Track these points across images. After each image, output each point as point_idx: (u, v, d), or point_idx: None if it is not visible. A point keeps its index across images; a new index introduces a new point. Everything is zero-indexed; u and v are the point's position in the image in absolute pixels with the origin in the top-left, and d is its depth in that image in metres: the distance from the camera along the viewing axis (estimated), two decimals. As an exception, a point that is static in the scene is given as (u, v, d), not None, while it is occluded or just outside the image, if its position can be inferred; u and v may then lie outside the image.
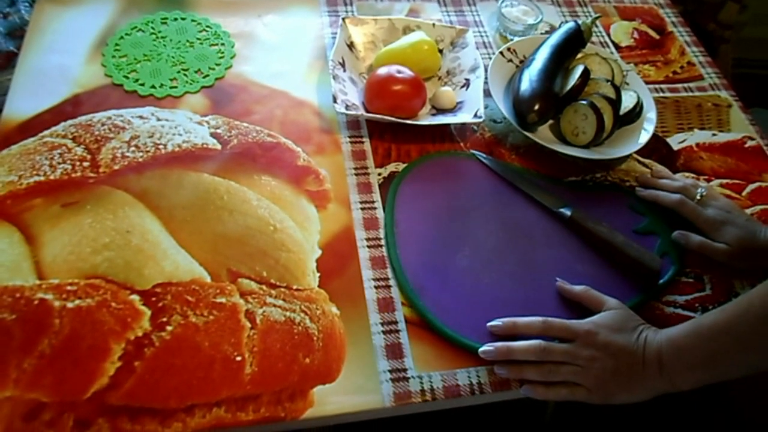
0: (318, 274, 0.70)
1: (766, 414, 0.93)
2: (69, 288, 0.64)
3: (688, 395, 0.62)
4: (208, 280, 0.67)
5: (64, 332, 0.61)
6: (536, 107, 0.82)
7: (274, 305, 0.66)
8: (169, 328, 0.63)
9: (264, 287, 0.68)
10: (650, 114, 0.88)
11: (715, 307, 0.72)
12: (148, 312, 0.64)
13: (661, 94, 0.99)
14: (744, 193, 0.87)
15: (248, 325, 0.64)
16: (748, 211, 0.84)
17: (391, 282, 0.71)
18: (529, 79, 0.84)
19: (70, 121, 0.79)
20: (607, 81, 0.86)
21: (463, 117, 0.84)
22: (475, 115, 0.83)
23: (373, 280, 0.71)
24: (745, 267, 0.77)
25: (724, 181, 0.88)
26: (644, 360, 0.62)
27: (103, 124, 0.79)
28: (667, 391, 0.62)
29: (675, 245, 0.78)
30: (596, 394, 0.63)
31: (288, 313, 0.66)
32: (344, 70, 0.88)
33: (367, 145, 0.84)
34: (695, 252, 0.78)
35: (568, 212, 0.78)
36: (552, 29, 1.01)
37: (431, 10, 1.05)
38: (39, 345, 0.60)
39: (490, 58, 0.91)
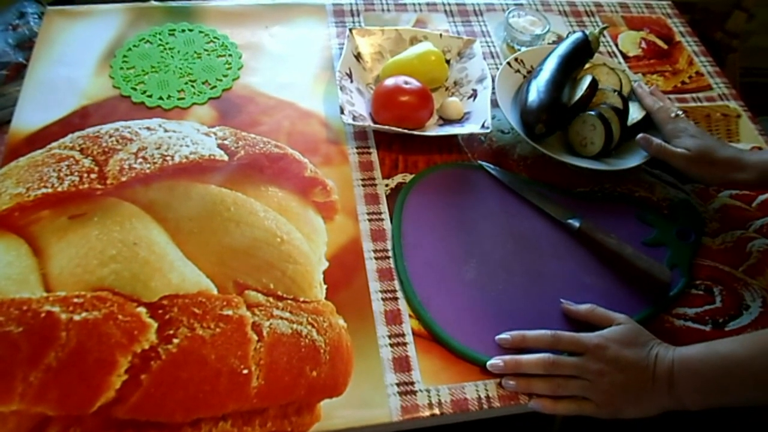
0: (325, 286, 0.70)
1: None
2: (76, 300, 0.64)
3: (703, 412, 0.61)
4: (215, 292, 0.67)
5: (71, 345, 0.61)
6: (544, 118, 0.82)
7: (281, 317, 0.66)
8: (175, 340, 0.63)
9: (271, 299, 0.68)
10: (659, 124, 0.87)
11: (726, 321, 0.73)
12: (155, 324, 0.63)
13: (670, 104, 0.98)
14: (754, 205, 0.86)
15: (255, 337, 0.64)
16: (759, 222, 0.83)
17: (399, 294, 0.71)
18: (536, 90, 0.84)
19: (77, 133, 0.79)
20: (615, 91, 0.86)
21: (471, 128, 0.84)
22: (483, 126, 0.83)
23: (381, 292, 0.71)
24: (700, 175, 0.78)
25: (734, 192, 0.87)
26: (654, 376, 0.61)
27: (110, 136, 0.79)
28: (674, 408, 0.61)
29: (685, 256, 0.77)
30: (604, 409, 0.62)
31: (295, 326, 0.66)
32: (351, 81, 0.88)
33: (374, 156, 0.84)
34: (653, 154, 0.81)
35: (576, 223, 0.78)
36: (559, 39, 1.00)
37: (438, 20, 1.05)
38: (45, 358, 0.60)
39: (498, 69, 0.91)
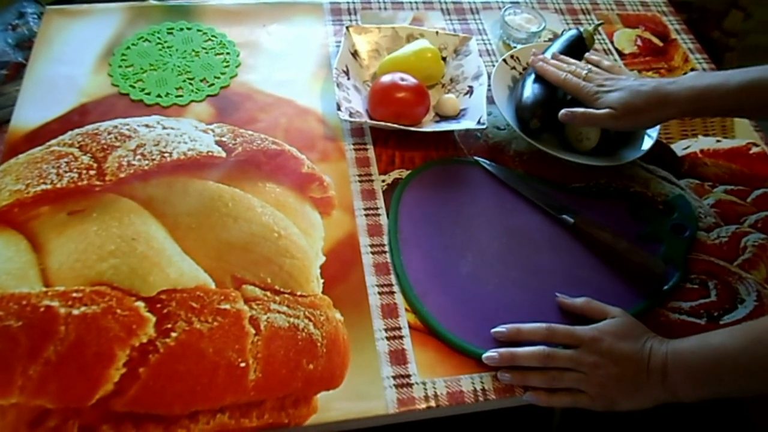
0: (322, 281, 0.71)
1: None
2: (75, 295, 0.65)
3: (698, 403, 0.62)
4: (213, 286, 0.68)
5: (70, 339, 0.61)
6: (539, 113, 0.82)
7: (278, 311, 0.67)
8: (173, 334, 0.63)
9: (268, 293, 0.68)
10: (654, 120, 0.88)
11: (721, 314, 0.73)
12: (153, 318, 0.64)
13: (665, 101, 0.99)
14: (749, 200, 0.86)
15: (252, 331, 0.65)
16: (753, 217, 0.84)
17: (395, 288, 0.71)
18: (531, 86, 0.84)
19: (76, 130, 0.80)
20: (611, 88, 0.86)
21: (467, 124, 0.85)
22: (479, 122, 0.83)
23: (377, 286, 0.71)
24: (631, 126, 0.79)
25: (729, 187, 0.87)
26: (649, 369, 0.62)
27: (109, 133, 0.80)
28: (669, 401, 0.62)
29: (679, 250, 0.78)
30: (599, 402, 0.63)
31: (292, 320, 0.66)
32: (348, 78, 0.89)
33: (371, 152, 0.84)
34: (581, 125, 0.81)
35: (571, 218, 0.78)
36: (555, 37, 1.01)
37: (435, 18, 1.06)
38: (44, 352, 0.61)
39: (494, 66, 0.91)
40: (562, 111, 0.80)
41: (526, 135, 0.83)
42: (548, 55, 0.87)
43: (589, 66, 0.84)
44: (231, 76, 0.90)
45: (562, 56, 0.87)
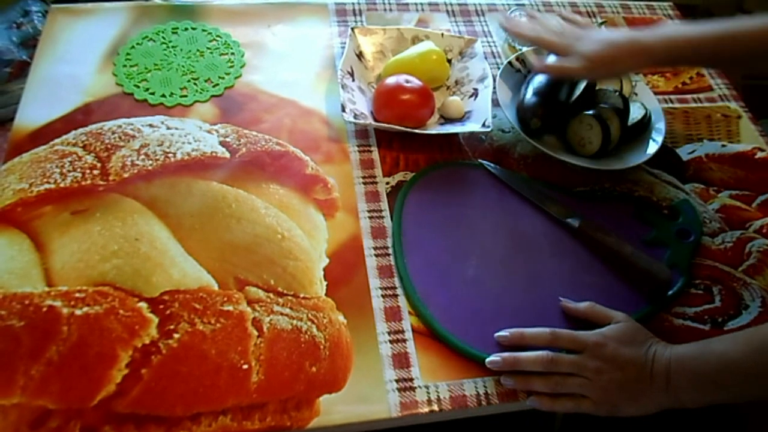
0: (325, 283, 0.70)
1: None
2: (77, 295, 0.64)
3: (700, 409, 0.62)
4: (216, 287, 0.67)
5: (72, 339, 0.61)
6: (540, 113, 0.82)
7: (281, 313, 0.67)
8: (176, 335, 0.63)
9: (271, 295, 0.68)
10: (659, 124, 0.88)
11: (725, 320, 0.73)
12: (156, 319, 0.64)
13: (670, 105, 0.99)
14: (754, 205, 0.86)
15: (255, 333, 0.64)
16: (758, 223, 0.84)
17: (398, 291, 0.71)
18: (534, 87, 0.84)
19: (80, 130, 0.80)
20: (615, 91, 0.86)
21: (472, 126, 0.85)
22: (484, 125, 0.83)
23: (380, 289, 0.71)
24: (605, 76, 0.80)
25: (734, 192, 0.87)
26: (652, 374, 0.61)
27: (113, 133, 0.79)
28: (672, 406, 0.61)
29: (684, 255, 0.78)
30: (602, 407, 0.63)
31: (295, 322, 0.66)
32: (353, 80, 0.89)
33: (375, 154, 0.84)
34: (556, 76, 0.81)
35: (576, 222, 0.78)
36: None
37: (440, 20, 1.06)
38: (47, 352, 0.60)
39: (499, 68, 0.91)
40: (536, 62, 0.81)
41: (528, 136, 0.83)
42: (553, 56, 0.87)
43: (561, 21, 0.84)
44: (235, 76, 0.90)
45: (534, 12, 0.88)
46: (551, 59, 0.79)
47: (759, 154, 0.93)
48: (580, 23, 0.84)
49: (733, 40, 0.71)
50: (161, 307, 0.65)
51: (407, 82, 0.84)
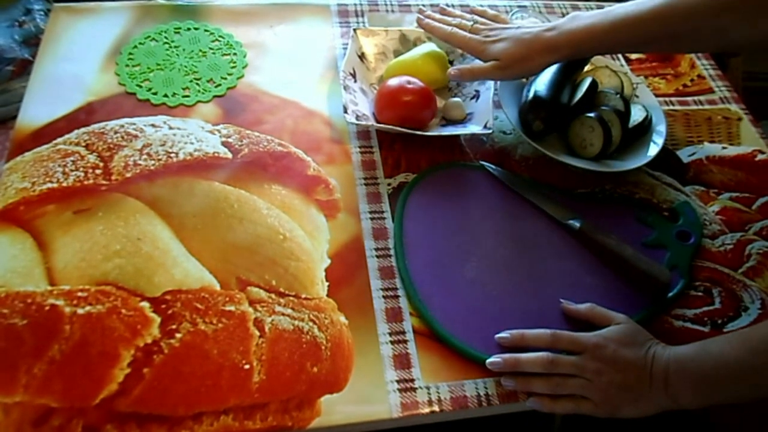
0: (327, 284, 0.71)
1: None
2: (80, 294, 0.65)
3: (699, 412, 0.62)
4: (218, 288, 0.68)
5: (74, 338, 0.62)
6: (542, 115, 0.82)
7: (283, 314, 0.67)
8: (178, 335, 0.63)
9: (273, 296, 0.68)
10: (660, 127, 0.88)
11: (725, 322, 0.73)
12: (158, 319, 0.64)
13: (671, 107, 0.99)
14: (754, 207, 0.86)
15: (257, 333, 0.65)
16: (758, 225, 0.84)
17: (400, 292, 0.71)
18: (536, 89, 0.84)
19: (83, 129, 0.80)
20: (617, 94, 0.86)
21: (473, 128, 0.85)
22: (485, 127, 0.83)
23: (382, 290, 0.71)
24: (518, 75, 0.80)
25: (734, 194, 0.87)
26: (651, 375, 0.62)
27: (115, 132, 0.80)
28: (671, 407, 0.62)
29: (684, 257, 0.78)
30: (602, 408, 0.63)
31: (296, 322, 0.66)
32: (355, 81, 0.89)
33: (377, 156, 0.84)
34: (470, 80, 0.83)
35: (577, 224, 0.78)
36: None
37: (442, 21, 1.06)
38: (49, 351, 0.61)
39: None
40: (450, 69, 0.82)
41: (528, 137, 0.83)
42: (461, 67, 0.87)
43: (475, 17, 0.85)
44: (238, 77, 0.91)
45: (448, 9, 0.88)
46: (462, 66, 0.80)
47: (759, 157, 0.93)
48: (497, 18, 0.85)
49: (628, 26, 0.72)
50: (163, 306, 0.65)
51: (409, 83, 0.84)
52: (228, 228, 0.72)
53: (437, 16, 0.85)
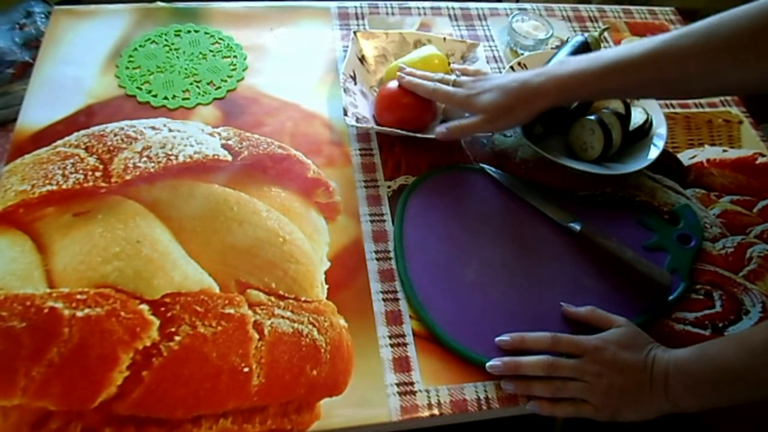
0: (326, 286, 0.70)
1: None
2: (79, 297, 0.64)
3: (702, 415, 0.62)
4: (217, 290, 0.67)
5: (73, 341, 0.61)
6: (542, 117, 0.81)
7: (283, 317, 0.67)
8: (177, 338, 0.63)
9: (272, 298, 0.68)
10: (660, 129, 0.88)
11: (726, 325, 0.73)
12: (157, 322, 0.64)
13: (672, 110, 0.99)
14: (755, 210, 0.86)
15: (256, 336, 0.65)
16: (759, 228, 0.84)
17: (399, 295, 0.71)
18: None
19: (83, 132, 0.80)
20: (618, 96, 0.86)
21: (473, 131, 0.84)
22: (485, 129, 0.83)
23: (381, 292, 0.71)
24: (506, 126, 0.79)
25: (735, 197, 0.87)
26: (652, 379, 0.62)
27: (115, 135, 0.80)
28: (671, 410, 0.62)
29: (685, 260, 0.78)
30: (603, 411, 0.63)
31: (296, 325, 0.66)
32: (355, 83, 0.89)
33: (377, 158, 0.84)
34: (459, 138, 0.82)
35: (577, 227, 0.78)
36: (562, 44, 1.01)
37: (442, 24, 1.06)
38: (48, 353, 0.60)
39: (501, 73, 0.91)
40: (438, 129, 0.79)
41: (529, 140, 0.83)
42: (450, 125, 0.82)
43: (457, 72, 0.84)
44: (238, 79, 0.91)
45: (424, 72, 0.83)
46: (450, 124, 0.78)
47: (760, 160, 0.93)
48: (470, 72, 0.83)
49: (618, 72, 0.70)
50: (162, 309, 0.65)
51: (409, 85, 0.84)
52: (227, 231, 0.72)
53: (419, 72, 0.83)
